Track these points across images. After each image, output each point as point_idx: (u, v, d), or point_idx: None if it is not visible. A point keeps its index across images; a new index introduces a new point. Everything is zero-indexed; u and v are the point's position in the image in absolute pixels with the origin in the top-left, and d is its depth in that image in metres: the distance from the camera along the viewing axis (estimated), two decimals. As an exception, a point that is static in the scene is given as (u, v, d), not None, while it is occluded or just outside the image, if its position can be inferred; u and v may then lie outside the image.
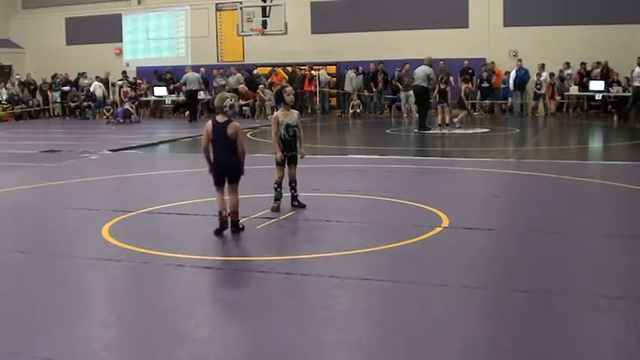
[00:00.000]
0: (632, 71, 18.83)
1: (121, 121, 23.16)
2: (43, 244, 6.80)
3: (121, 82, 26.49)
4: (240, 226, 6.81)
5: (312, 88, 24.73)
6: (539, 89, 22.34)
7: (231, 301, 5.09)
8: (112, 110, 24.44)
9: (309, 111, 24.69)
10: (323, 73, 25.13)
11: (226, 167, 6.73)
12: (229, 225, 6.74)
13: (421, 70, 17.90)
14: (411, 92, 20.91)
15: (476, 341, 4.16)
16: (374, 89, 24.42)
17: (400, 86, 22.77)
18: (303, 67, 25.11)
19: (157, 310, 4.81)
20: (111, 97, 26.64)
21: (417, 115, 19.02)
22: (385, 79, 24.25)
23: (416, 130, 17.92)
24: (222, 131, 6.62)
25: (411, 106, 22.22)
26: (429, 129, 17.74)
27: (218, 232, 6.68)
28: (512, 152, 14.47)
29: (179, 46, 28.32)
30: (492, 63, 23.48)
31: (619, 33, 20.81)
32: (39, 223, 7.80)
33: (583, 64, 22.26)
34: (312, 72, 24.76)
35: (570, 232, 6.79)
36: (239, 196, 6.82)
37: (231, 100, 6.69)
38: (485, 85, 23.22)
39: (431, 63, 18.06)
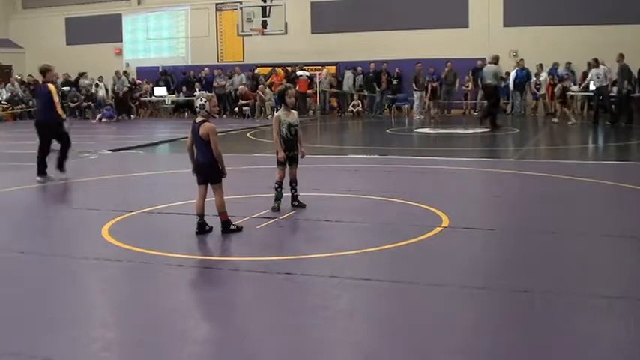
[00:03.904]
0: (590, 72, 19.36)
1: (105, 120, 23.59)
2: (43, 244, 6.80)
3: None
4: (233, 226, 6.78)
5: (304, 88, 24.27)
6: (538, 89, 22.33)
7: (231, 300, 5.08)
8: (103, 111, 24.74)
9: (307, 112, 24.58)
10: (326, 74, 25.07)
11: (201, 167, 6.74)
12: (208, 228, 6.79)
13: (488, 69, 18.45)
14: (423, 92, 22.28)
15: (476, 341, 4.16)
16: (377, 89, 24.36)
17: (415, 86, 22.64)
18: (289, 67, 24.91)
19: (157, 310, 4.81)
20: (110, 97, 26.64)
21: (483, 113, 19.40)
22: (388, 79, 24.23)
23: (487, 129, 18.13)
24: (197, 131, 6.65)
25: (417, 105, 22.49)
26: (500, 127, 18.06)
27: (197, 233, 6.75)
28: (512, 152, 14.47)
29: (179, 46, 28.33)
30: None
31: (619, 33, 20.79)
32: (39, 223, 7.81)
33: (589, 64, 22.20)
34: (298, 72, 24.33)
35: (570, 232, 6.79)
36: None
37: (201, 101, 6.69)
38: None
39: (497, 61, 18.62)
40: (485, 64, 23.14)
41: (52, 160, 10.70)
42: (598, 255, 6.03)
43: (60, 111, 10.65)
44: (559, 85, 19.92)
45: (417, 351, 4.02)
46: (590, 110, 22.35)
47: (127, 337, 4.40)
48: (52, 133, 10.73)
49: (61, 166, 10.85)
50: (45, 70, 10.88)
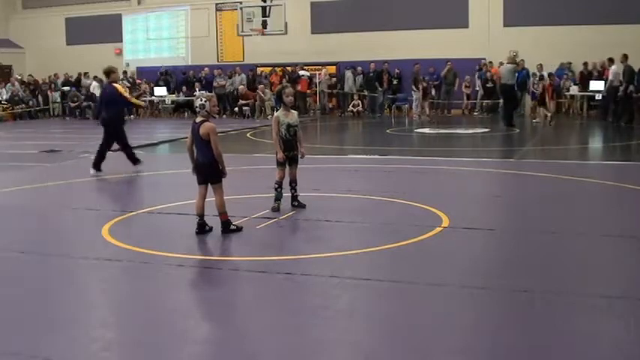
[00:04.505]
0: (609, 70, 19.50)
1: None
2: (43, 244, 6.80)
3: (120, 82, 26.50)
4: (233, 226, 6.78)
5: (305, 88, 24.42)
6: (537, 89, 22.33)
7: (231, 300, 5.08)
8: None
9: (305, 112, 24.55)
10: (325, 74, 25.10)
11: (201, 167, 6.75)
12: (208, 228, 6.79)
13: (505, 69, 18.68)
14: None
15: (476, 341, 4.16)
16: (379, 89, 24.33)
17: (414, 87, 22.59)
18: (289, 67, 25.00)
19: (157, 310, 4.81)
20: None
21: (502, 111, 19.84)
22: (389, 78, 24.23)
23: (505, 125, 18.45)
24: (197, 131, 6.65)
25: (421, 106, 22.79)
26: (514, 125, 18.24)
27: (197, 233, 6.75)
28: (512, 152, 14.46)
29: (179, 46, 28.33)
30: (490, 63, 23.47)
31: (619, 33, 20.80)
32: (39, 223, 7.80)
33: (585, 63, 22.30)
34: (301, 72, 24.47)
35: (570, 232, 6.79)
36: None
37: (201, 101, 6.69)
38: (490, 85, 23.20)
39: (514, 60, 18.92)
40: (485, 64, 23.27)
41: (52, 160, 10.70)
42: (598, 255, 6.03)
43: (136, 102, 11.75)
44: (540, 85, 20.10)
45: (417, 351, 4.02)
46: (591, 110, 22.41)
47: (127, 337, 4.40)
48: (116, 130, 11.35)
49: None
50: (109, 72, 11.49)
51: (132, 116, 25.29)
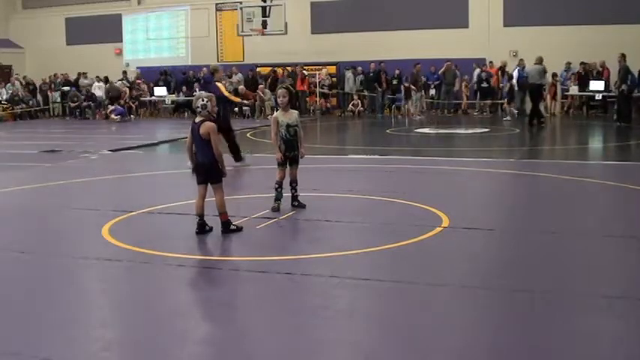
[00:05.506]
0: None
1: (115, 117, 24.14)
2: (43, 244, 6.80)
3: (120, 82, 26.51)
4: (233, 226, 6.78)
5: (305, 87, 24.57)
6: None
7: (231, 301, 5.08)
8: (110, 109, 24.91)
9: (306, 112, 24.59)
10: (325, 74, 25.14)
11: (202, 167, 6.75)
12: (208, 228, 6.79)
13: (534, 69, 18.97)
14: (422, 92, 22.90)
15: (476, 341, 4.16)
16: (379, 89, 24.32)
17: (414, 87, 22.55)
18: (289, 67, 25.10)
19: (157, 310, 4.81)
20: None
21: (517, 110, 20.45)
22: (386, 78, 24.22)
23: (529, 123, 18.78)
24: (197, 131, 6.66)
25: (423, 105, 23.05)
26: (544, 122, 18.64)
27: (197, 233, 6.75)
28: (512, 152, 14.46)
29: (179, 46, 28.33)
30: (491, 63, 23.46)
31: (619, 33, 20.80)
32: (39, 223, 7.80)
33: (582, 64, 22.31)
34: (304, 71, 24.58)
35: (570, 232, 6.78)
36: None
37: (203, 101, 6.70)
38: (485, 85, 23.19)
39: (541, 61, 19.11)
40: (484, 65, 23.26)
41: (52, 160, 10.69)
42: (598, 255, 6.03)
43: (234, 98, 12.07)
44: (508, 84, 20.51)
45: (417, 351, 4.02)
46: (591, 110, 22.40)
47: (127, 337, 4.40)
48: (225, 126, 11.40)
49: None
50: (214, 71, 12.02)
51: (132, 116, 25.34)
